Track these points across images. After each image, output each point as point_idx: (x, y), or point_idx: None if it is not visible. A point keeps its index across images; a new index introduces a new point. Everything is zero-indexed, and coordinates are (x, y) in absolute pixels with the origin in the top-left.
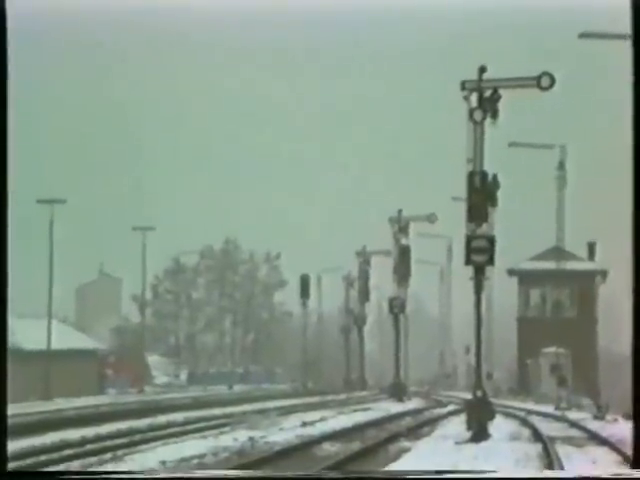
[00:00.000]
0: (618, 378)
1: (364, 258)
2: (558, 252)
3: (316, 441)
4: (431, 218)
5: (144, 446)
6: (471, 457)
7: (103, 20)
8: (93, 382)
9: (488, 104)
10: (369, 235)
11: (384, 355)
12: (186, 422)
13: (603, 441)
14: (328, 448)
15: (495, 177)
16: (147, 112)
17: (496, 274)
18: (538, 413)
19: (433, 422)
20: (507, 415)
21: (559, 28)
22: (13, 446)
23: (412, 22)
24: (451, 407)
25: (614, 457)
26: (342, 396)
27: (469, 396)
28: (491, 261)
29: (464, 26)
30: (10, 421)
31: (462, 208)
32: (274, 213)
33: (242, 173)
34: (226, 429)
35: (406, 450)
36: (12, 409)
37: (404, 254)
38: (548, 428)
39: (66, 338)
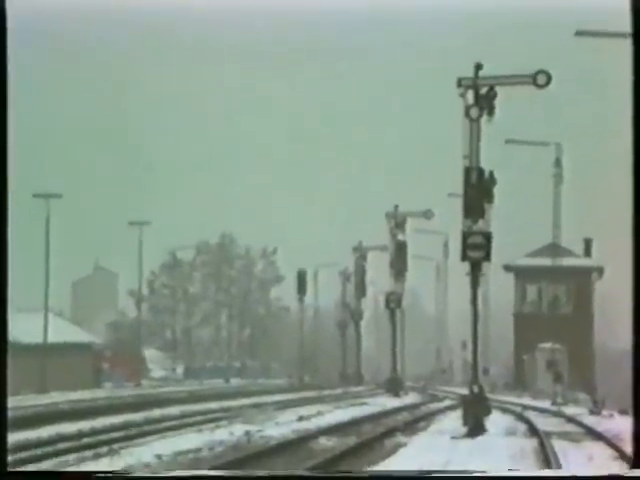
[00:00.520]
0: (614, 374)
1: (361, 253)
2: (554, 248)
3: (312, 435)
4: (427, 214)
5: (140, 440)
6: (467, 452)
7: (103, 20)
8: (89, 376)
9: (484, 101)
10: (366, 231)
11: (380, 350)
12: (182, 416)
13: (599, 436)
14: (324, 442)
15: (492, 173)
16: (145, 109)
17: (492, 270)
18: (534, 408)
19: (429, 417)
20: (503, 410)
21: (557, 27)
22: (9, 439)
23: (412, 22)
24: (447, 402)
25: (610, 452)
26: (338, 391)
27: (465, 391)
28: (487, 257)
29: (464, 26)
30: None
31: (458, 204)
32: (271, 209)
33: (239, 169)
34: (222, 423)
35: (402, 445)
36: (8, 402)
37: (401, 249)
38: (544, 423)
39: (62, 332)
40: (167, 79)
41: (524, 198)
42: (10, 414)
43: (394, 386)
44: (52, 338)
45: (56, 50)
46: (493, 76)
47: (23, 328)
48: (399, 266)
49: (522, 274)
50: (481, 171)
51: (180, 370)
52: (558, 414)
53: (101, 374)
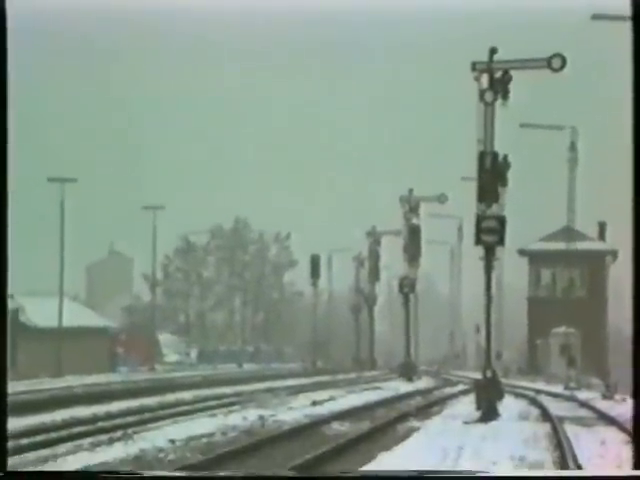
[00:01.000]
0: (628, 358)
1: (374, 238)
2: (569, 232)
3: (325, 420)
4: (441, 198)
5: (154, 424)
6: (480, 437)
7: (103, 20)
8: (104, 360)
9: (499, 85)
10: (379, 215)
11: (394, 335)
12: (196, 400)
13: (612, 421)
14: (337, 427)
15: (505, 157)
16: (156, 97)
17: (506, 254)
18: (547, 393)
19: (442, 402)
20: (516, 395)
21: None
22: (24, 422)
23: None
24: (460, 387)
25: (622, 437)
26: (352, 375)
27: (479, 376)
28: (501, 241)
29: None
30: (21, 397)
31: (472, 188)
32: (285, 193)
33: (253, 153)
34: (235, 408)
35: (415, 429)
36: (23, 386)
37: (414, 234)
38: (557, 408)
39: (77, 316)
40: (175, 64)
41: (538, 182)
42: (26, 397)
43: (407, 370)
44: (67, 322)
45: (56, 50)
46: (507, 60)
47: (38, 312)
48: (413, 251)
49: (536, 258)
50: (495, 155)
51: (194, 354)
52: (571, 399)
53: (116, 358)
